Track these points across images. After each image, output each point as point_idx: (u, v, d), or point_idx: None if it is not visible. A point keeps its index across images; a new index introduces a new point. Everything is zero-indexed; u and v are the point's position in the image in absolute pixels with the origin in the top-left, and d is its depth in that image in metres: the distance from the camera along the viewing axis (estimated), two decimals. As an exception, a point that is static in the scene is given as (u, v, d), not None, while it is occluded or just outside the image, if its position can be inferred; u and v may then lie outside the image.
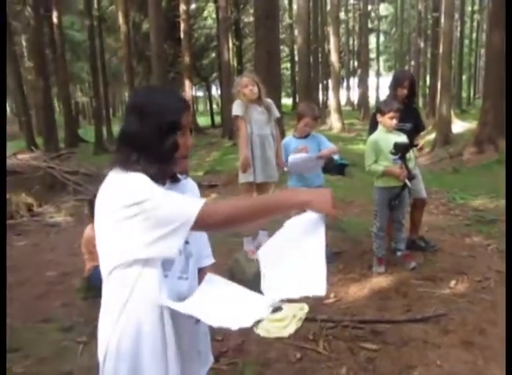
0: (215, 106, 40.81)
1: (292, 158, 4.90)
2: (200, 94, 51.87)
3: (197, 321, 1.86)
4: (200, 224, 1.65)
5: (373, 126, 5.24)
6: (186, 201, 1.69)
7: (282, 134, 7.66)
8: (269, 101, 5.36)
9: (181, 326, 1.82)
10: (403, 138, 4.97)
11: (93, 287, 4.75)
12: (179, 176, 1.91)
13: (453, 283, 4.79)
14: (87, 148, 21.49)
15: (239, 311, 1.73)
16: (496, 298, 4.41)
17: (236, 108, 5.24)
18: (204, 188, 9.50)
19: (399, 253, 5.24)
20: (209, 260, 2.07)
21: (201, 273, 1.97)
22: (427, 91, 29.77)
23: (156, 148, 1.71)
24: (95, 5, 26.39)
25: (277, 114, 5.44)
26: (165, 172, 1.78)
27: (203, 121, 33.71)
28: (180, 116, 1.75)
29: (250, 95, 5.15)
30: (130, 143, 1.74)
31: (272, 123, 5.35)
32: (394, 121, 4.89)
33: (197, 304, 1.74)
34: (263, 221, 1.74)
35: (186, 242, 1.81)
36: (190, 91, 25.57)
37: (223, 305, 1.77)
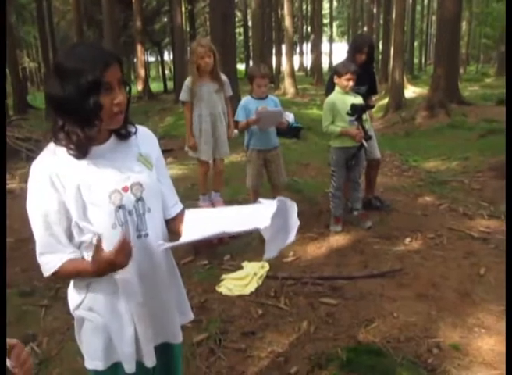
0: (167, 71, 40.18)
1: (262, 108, 4.90)
2: (152, 59, 50.91)
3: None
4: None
5: (330, 88, 5.28)
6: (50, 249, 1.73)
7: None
8: (225, 78, 5.30)
9: (157, 281, 1.85)
10: (359, 100, 5.05)
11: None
12: (124, 131, 1.80)
13: (407, 240, 4.96)
14: (37, 115, 20.86)
15: (243, 218, 1.70)
16: (448, 254, 4.61)
17: (183, 94, 5.23)
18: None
19: (355, 212, 5.36)
20: (177, 207, 1.98)
21: (175, 221, 1.93)
22: (379, 56, 29.93)
23: (77, 111, 1.60)
24: (41, -35, 25.44)
25: (230, 92, 5.41)
26: (90, 135, 1.66)
27: (155, 87, 33.15)
28: (102, 72, 1.58)
29: (205, 67, 5.08)
30: (55, 107, 1.66)
31: (223, 101, 5.33)
32: (350, 83, 4.95)
33: (195, 230, 1.72)
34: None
35: (139, 199, 1.76)
36: (142, 55, 25.13)
37: (223, 220, 1.74)
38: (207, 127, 5.22)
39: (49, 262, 1.71)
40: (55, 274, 1.72)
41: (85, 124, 1.63)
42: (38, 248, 1.71)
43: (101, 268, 1.60)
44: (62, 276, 1.79)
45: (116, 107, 1.65)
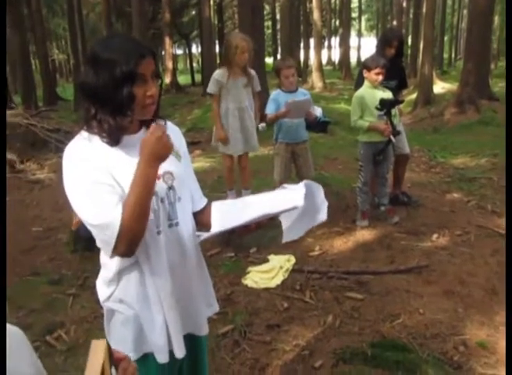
0: (195, 64, 40.29)
1: (292, 99, 4.88)
2: (180, 51, 51.06)
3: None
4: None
5: (360, 82, 5.26)
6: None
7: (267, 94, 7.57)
8: (253, 73, 5.25)
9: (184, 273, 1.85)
10: (388, 94, 5.02)
11: (81, 239, 4.78)
12: (154, 123, 1.78)
13: (434, 236, 4.92)
14: (67, 106, 21.13)
15: (276, 201, 1.76)
16: (475, 251, 4.56)
17: (211, 86, 5.19)
18: (187, 145, 9.46)
19: (382, 208, 5.34)
20: (203, 201, 2.01)
21: (202, 214, 1.96)
22: (408, 51, 29.58)
23: (111, 100, 1.63)
24: (72, -42, 25.61)
25: (258, 88, 5.37)
26: (122, 124, 1.68)
27: (183, 79, 33.25)
28: (136, 64, 1.61)
29: (243, 62, 5.03)
30: (88, 95, 1.68)
31: (250, 96, 5.28)
32: (380, 77, 4.92)
33: (228, 219, 1.78)
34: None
35: (170, 188, 1.78)
36: (170, 48, 25.22)
37: (256, 205, 1.79)
38: (234, 121, 5.18)
39: (108, 225, 1.60)
40: (122, 235, 1.59)
41: (117, 114, 1.65)
42: (91, 221, 1.62)
43: (151, 150, 1.60)
44: (133, 224, 1.60)
45: (149, 99, 1.68)
